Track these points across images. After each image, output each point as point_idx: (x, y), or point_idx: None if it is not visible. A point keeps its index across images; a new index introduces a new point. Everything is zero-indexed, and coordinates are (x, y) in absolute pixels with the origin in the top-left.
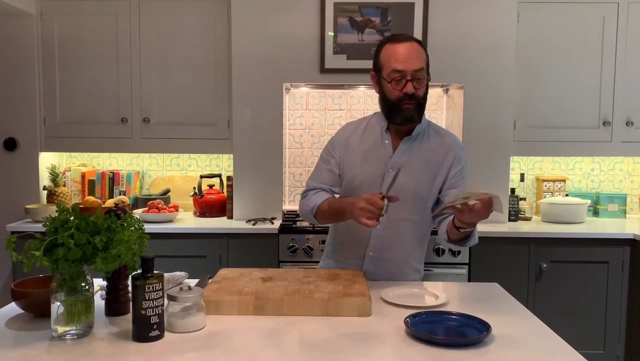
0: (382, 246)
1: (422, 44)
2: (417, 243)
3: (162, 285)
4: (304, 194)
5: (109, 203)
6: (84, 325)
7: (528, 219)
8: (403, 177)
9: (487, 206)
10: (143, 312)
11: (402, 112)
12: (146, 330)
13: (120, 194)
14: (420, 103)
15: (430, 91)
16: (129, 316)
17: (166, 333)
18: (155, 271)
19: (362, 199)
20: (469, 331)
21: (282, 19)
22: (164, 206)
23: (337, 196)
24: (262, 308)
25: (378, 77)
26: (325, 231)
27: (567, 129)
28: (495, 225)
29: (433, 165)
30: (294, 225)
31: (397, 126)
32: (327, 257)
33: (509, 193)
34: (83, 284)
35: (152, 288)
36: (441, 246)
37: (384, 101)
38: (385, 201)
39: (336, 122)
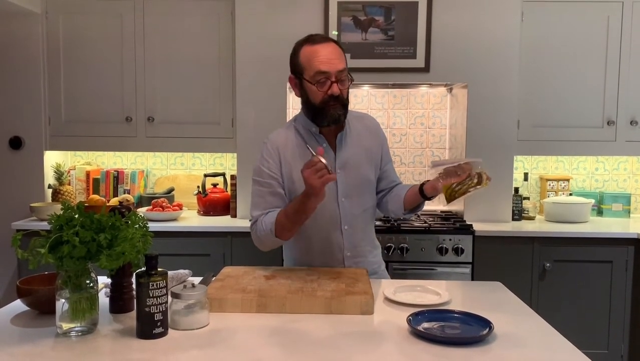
0: (354, 242)
1: (341, 45)
2: (372, 225)
3: (166, 283)
4: (253, 225)
5: (114, 201)
6: (89, 322)
7: (532, 218)
8: (352, 171)
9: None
10: (147, 309)
11: (329, 114)
12: (150, 327)
13: (124, 193)
14: (344, 104)
15: (434, 90)
16: (133, 313)
17: (170, 331)
18: (159, 269)
19: (303, 172)
20: (472, 329)
21: (286, 18)
22: (168, 205)
23: None
24: (265, 305)
25: (299, 80)
26: None
27: (571, 128)
28: (498, 224)
29: (369, 150)
30: None
31: (327, 128)
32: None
33: (513, 192)
34: (88, 281)
35: (156, 285)
36: (444, 245)
37: (307, 104)
38: (320, 157)
39: None
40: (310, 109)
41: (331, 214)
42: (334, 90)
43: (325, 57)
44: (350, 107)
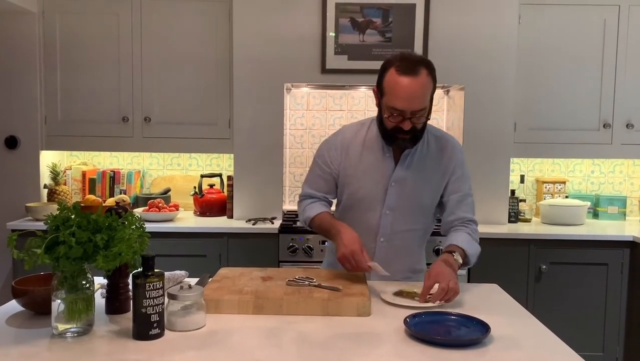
0: (388, 257)
1: (432, 67)
2: (419, 249)
3: (163, 284)
4: (301, 200)
5: (110, 201)
6: (85, 322)
7: (528, 220)
8: (406, 189)
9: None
10: (143, 310)
11: (397, 142)
12: (146, 328)
13: (120, 193)
14: (416, 136)
15: None
16: (130, 314)
17: (166, 332)
18: (155, 270)
19: (349, 252)
20: (469, 331)
21: (283, 19)
22: (165, 206)
23: (333, 201)
24: (261, 307)
25: (379, 99)
26: None
27: (567, 131)
28: (495, 226)
29: (435, 173)
30: (294, 225)
31: None
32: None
33: (509, 194)
34: (84, 282)
35: (153, 286)
36: (441, 247)
37: (380, 123)
38: (375, 264)
39: (337, 123)
40: (381, 129)
41: (370, 224)
42: (405, 126)
43: (405, 95)
44: (347, 108)
